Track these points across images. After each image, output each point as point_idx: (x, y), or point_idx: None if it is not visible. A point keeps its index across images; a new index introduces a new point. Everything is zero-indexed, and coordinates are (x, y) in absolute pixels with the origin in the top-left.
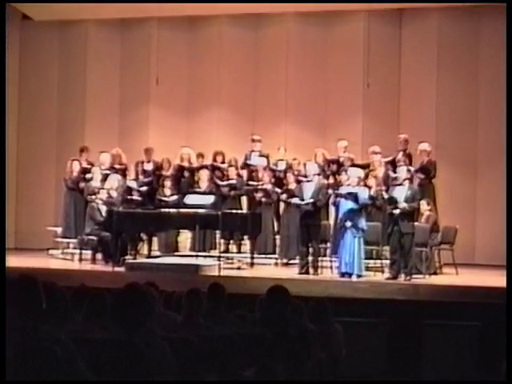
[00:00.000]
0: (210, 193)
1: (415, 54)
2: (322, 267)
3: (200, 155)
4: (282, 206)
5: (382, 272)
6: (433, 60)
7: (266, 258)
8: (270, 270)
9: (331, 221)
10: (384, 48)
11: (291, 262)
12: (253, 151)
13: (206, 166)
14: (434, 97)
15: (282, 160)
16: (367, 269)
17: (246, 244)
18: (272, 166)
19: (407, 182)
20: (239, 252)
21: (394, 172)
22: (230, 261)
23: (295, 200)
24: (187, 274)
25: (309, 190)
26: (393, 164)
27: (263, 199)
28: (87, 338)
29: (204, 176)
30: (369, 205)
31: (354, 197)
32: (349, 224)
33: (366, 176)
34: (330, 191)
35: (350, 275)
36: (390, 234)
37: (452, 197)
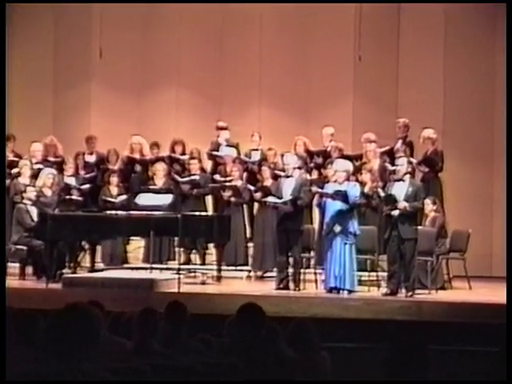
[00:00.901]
0: (167, 191)
1: (417, 21)
2: (304, 281)
3: (154, 145)
4: (255, 206)
5: (379, 287)
6: (439, 29)
7: (236, 270)
8: (242, 284)
9: (316, 225)
10: (379, 14)
11: (267, 275)
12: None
13: (162, 159)
14: (441, 73)
15: (256, 150)
16: (360, 283)
17: (212, 253)
18: (243, 158)
19: (408, 176)
20: (203, 263)
21: (393, 164)
22: (192, 274)
23: (271, 199)
24: (139, 291)
25: (288, 186)
26: (390, 155)
27: (233, 199)
28: (13, 371)
29: (160, 171)
30: (361, 205)
31: (342, 196)
32: (338, 229)
33: (359, 170)
34: (314, 189)
35: (340, 291)
36: (388, 240)
37: (463, 194)
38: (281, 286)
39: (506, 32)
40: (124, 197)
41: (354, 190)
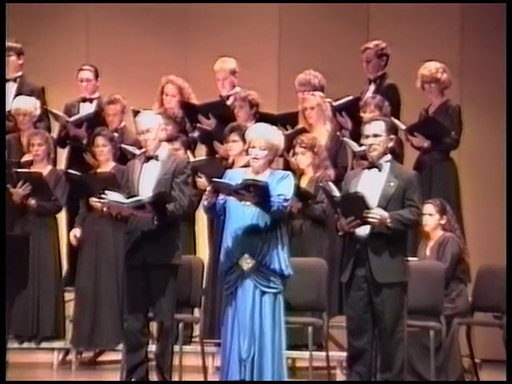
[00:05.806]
0: None
1: None
2: (181, 369)
3: None
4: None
5: (330, 379)
6: None
7: (39, 348)
8: (50, 376)
9: (205, 255)
10: None
11: (104, 358)
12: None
13: None
14: None
15: (86, 100)
16: (293, 371)
17: None
18: (57, 113)
19: (389, 158)
20: None
21: (356, 137)
22: None
23: (113, 197)
24: None
25: (148, 176)
26: (352, 114)
27: (33, 201)
28: None
29: None
30: (294, 214)
31: (259, 192)
32: (247, 263)
33: (290, 146)
34: (202, 181)
35: None
36: (349, 287)
37: (502, 194)
38: (132, 378)
39: (506, 33)
40: None
41: (283, 187)
